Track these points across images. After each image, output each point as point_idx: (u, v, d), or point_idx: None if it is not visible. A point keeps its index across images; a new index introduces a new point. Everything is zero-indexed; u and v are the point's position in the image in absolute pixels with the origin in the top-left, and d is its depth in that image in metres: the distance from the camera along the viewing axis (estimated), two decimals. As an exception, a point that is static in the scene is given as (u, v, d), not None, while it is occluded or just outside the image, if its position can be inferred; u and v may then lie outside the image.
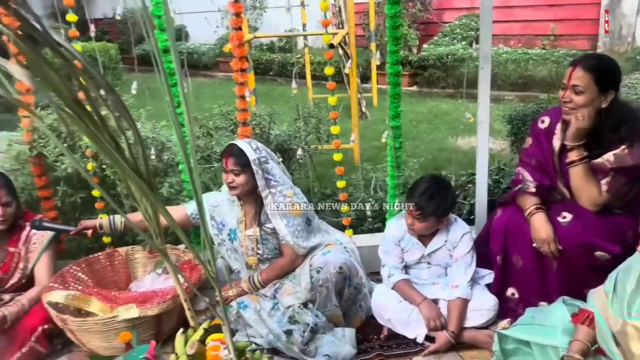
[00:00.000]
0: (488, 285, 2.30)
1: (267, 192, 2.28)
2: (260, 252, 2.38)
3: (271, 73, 9.13)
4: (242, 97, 2.62)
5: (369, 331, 2.32)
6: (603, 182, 2.06)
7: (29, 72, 0.80)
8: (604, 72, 2.02)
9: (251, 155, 2.25)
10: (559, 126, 2.19)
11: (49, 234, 2.43)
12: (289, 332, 2.12)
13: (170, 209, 2.40)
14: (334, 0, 5.66)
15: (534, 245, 2.11)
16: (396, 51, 2.40)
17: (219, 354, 1.46)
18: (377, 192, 3.09)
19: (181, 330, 1.59)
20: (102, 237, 2.66)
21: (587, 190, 2.08)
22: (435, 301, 2.27)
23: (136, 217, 2.26)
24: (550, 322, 1.85)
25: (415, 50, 8.42)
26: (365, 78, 7.14)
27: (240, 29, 2.55)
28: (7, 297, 2.34)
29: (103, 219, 2.42)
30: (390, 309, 2.26)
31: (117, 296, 2.27)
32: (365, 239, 2.77)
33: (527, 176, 2.25)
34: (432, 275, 2.36)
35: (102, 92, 1.04)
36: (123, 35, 10.36)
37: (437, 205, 2.20)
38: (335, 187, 3.12)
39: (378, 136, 4.67)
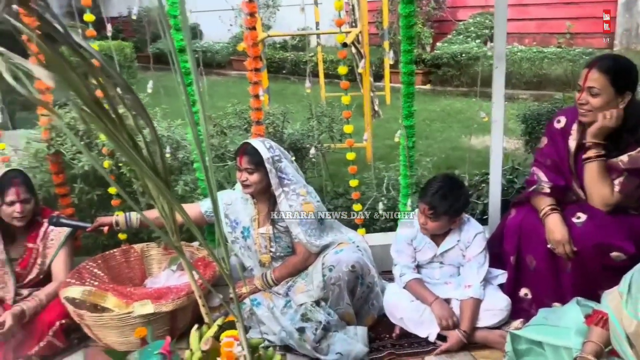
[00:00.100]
0: (501, 286, 2.30)
1: (280, 190, 2.29)
2: (273, 250, 2.39)
3: (284, 71, 9.15)
4: (256, 96, 2.63)
5: (381, 330, 2.33)
6: (616, 182, 2.05)
7: (50, 72, 0.82)
8: (620, 73, 2.01)
9: (265, 154, 2.27)
10: (575, 126, 2.17)
11: (66, 231, 2.47)
12: (301, 330, 2.13)
13: (185, 206, 2.41)
14: (348, -1, 5.66)
15: (549, 246, 2.10)
16: (410, 50, 2.39)
17: (233, 350, 1.47)
18: (390, 191, 3.09)
19: (196, 326, 1.61)
20: (117, 233, 2.70)
21: (599, 188, 2.06)
22: (447, 301, 2.27)
23: (151, 214, 2.29)
24: (563, 322, 1.84)
25: (428, 49, 8.38)
26: (378, 76, 7.13)
27: (254, 28, 2.57)
28: (25, 292, 2.39)
29: (119, 216, 2.46)
30: (402, 308, 2.27)
31: (132, 292, 2.30)
32: (378, 238, 2.77)
33: (542, 176, 2.24)
34: (445, 275, 2.36)
35: (118, 90, 1.06)
36: (137, 34, 10.45)
37: (450, 205, 2.20)
38: (347, 186, 3.12)
39: (391, 135, 4.67)
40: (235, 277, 2.42)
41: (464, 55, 7.43)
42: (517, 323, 2.20)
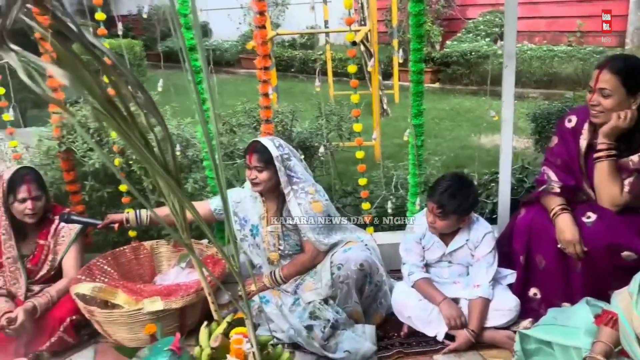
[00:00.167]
0: (510, 286, 2.29)
1: (289, 189, 2.30)
2: (281, 248, 2.40)
3: (292, 70, 9.15)
4: (265, 95, 2.64)
5: (389, 328, 2.33)
6: (626, 182, 2.04)
7: (65, 70, 0.83)
8: (631, 73, 1.99)
9: (274, 152, 2.28)
10: (586, 126, 2.16)
11: (77, 227, 2.49)
12: (309, 328, 2.14)
13: (194, 204, 2.43)
14: (357, -3, 5.66)
15: (559, 246, 2.09)
16: (419, 49, 2.39)
17: (242, 347, 1.48)
18: (398, 189, 3.09)
19: (205, 323, 1.62)
20: (127, 231, 2.72)
21: (609, 188, 2.05)
22: (455, 300, 2.26)
23: (161, 211, 2.31)
24: (573, 322, 1.83)
25: (438, 47, 8.35)
26: (386, 75, 7.12)
27: (264, 27, 2.57)
28: (36, 288, 2.41)
29: (129, 213, 2.48)
30: (410, 306, 2.27)
31: (142, 289, 2.32)
32: (386, 237, 2.77)
33: (552, 176, 2.23)
34: (453, 274, 2.36)
35: (130, 88, 1.07)
36: (147, 32, 10.50)
37: (459, 204, 2.20)
38: (356, 185, 3.12)
39: (399, 133, 4.67)
40: (245, 274, 2.43)
41: (473, 53, 7.40)
42: (526, 323, 2.19)
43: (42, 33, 0.92)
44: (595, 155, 2.09)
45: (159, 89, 2.69)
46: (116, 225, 2.47)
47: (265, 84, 2.62)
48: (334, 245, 2.33)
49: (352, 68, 2.51)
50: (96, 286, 2.28)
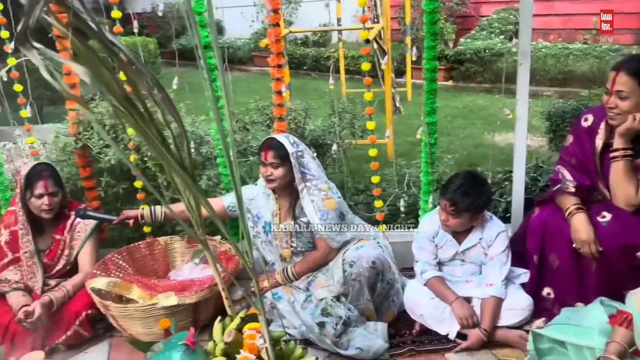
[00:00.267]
0: (523, 285, 2.28)
1: (302, 185, 2.31)
2: (294, 245, 2.41)
3: (305, 67, 9.15)
4: (279, 93, 2.65)
5: (401, 326, 2.33)
6: None
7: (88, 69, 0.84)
8: None
9: (290, 149, 2.29)
10: (602, 125, 2.14)
11: (93, 223, 2.52)
12: (321, 325, 2.15)
13: (208, 201, 2.46)
14: (370, -6, 5.64)
15: (574, 245, 2.08)
16: (433, 46, 2.39)
17: (255, 343, 1.49)
18: (411, 187, 3.09)
19: (219, 318, 1.64)
20: (142, 226, 2.75)
21: (624, 188, 2.04)
22: (468, 299, 2.26)
23: (176, 208, 2.33)
24: (586, 322, 1.82)
25: (451, 45, 8.30)
26: (399, 72, 7.10)
27: (277, 25, 2.58)
28: (52, 282, 2.44)
29: (144, 210, 2.50)
30: (422, 304, 2.27)
31: (156, 284, 2.34)
32: (398, 235, 2.77)
33: (567, 175, 2.21)
34: (466, 273, 2.35)
35: (146, 85, 1.08)
36: (161, 30, 10.56)
37: (472, 202, 2.19)
38: (368, 183, 3.12)
39: (412, 131, 4.65)
40: (258, 270, 2.44)
41: (487, 51, 7.34)
42: (539, 322, 2.18)
43: (62, 31, 0.94)
44: (611, 155, 2.07)
45: (174, 87, 2.71)
46: (131, 221, 2.49)
47: (278, 81, 2.63)
48: (346, 243, 2.34)
49: (365, 66, 2.51)
50: (111, 281, 2.31)
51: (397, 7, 7.82)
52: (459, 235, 2.32)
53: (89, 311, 2.32)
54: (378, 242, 2.39)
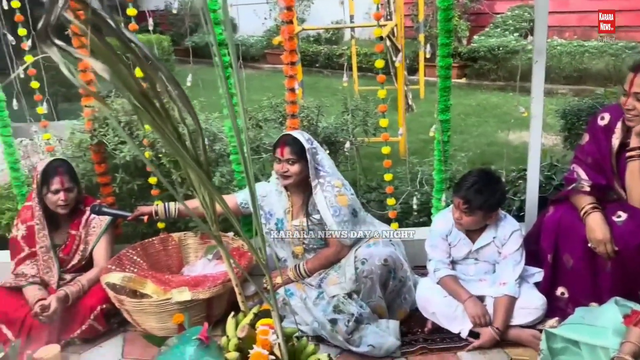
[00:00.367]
0: (537, 284, 2.26)
1: (316, 182, 2.32)
2: (306, 242, 2.42)
3: (317, 65, 9.15)
4: (292, 90, 2.66)
5: (413, 324, 2.33)
6: None
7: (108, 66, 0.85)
8: None
9: (306, 145, 2.31)
10: (619, 124, 2.12)
11: (107, 219, 2.54)
12: (333, 321, 2.16)
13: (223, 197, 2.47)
14: (384, -9, 5.63)
15: (589, 245, 2.06)
16: (448, 44, 2.38)
17: (268, 338, 1.50)
18: (424, 185, 3.08)
19: (232, 314, 1.65)
20: (156, 222, 2.77)
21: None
22: (481, 298, 2.25)
23: (190, 204, 2.35)
24: (600, 322, 1.81)
25: (465, 42, 8.25)
26: (411, 70, 7.07)
27: (291, 22, 2.58)
28: (68, 277, 2.48)
29: (158, 206, 2.52)
30: (435, 302, 2.26)
31: (170, 279, 2.36)
32: (411, 233, 2.76)
33: (582, 174, 2.19)
34: (479, 272, 2.34)
35: (156, 81, 1.09)
36: (174, 28, 10.62)
37: (485, 199, 2.18)
38: (380, 180, 3.12)
39: (424, 129, 4.63)
40: (271, 267, 2.45)
41: (501, 48, 7.29)
42: (552, 321, 2.16)
43: (81, 28, 0.95)
44: (628, 154, 2.05)
45: (188, 84, 2.72)
46: (145, 217, 2.51)
47: (291, 79, 2.64)
48: (358, 240, 2.34)
49: (379, 63, 2.51)
50: (126, 276, 2.34)
51: (410, 4, 7.79)
52: (473, 233, 2.31)
53: (104, 305, 2.35)
54: (390, 240, 2.38)
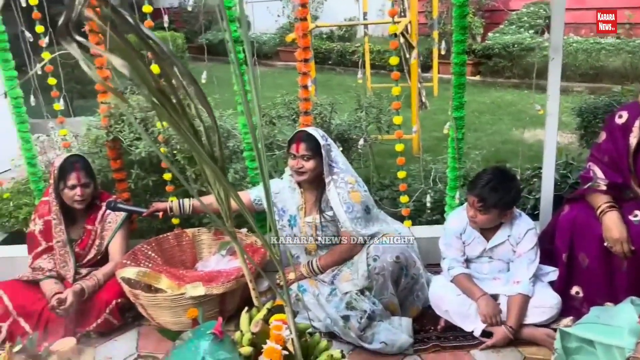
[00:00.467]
0: (552, 283, 2.25)
1: (330, 178, 2.33)
2: (319, 238, 2.42)
3: (330, 62, 9.15)
4: (305, 87, 2.66)
5: (426, 322, 2.32)
6: None
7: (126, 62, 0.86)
8: None
9: (321, 141, 2.31)
10: (637, 123, 2.09)
11: (123, 214, 2.57)
12: (346, 318, 2.16)
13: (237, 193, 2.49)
14: (397, -12, 5.60)
15: (606, 244, 2.05)
16: (462, 40, 2.36)
17: (282, 334, 1.51)
18: (437, 183, 3.06)
19: (246, 309, 1.67)
20: (171, 218, 2.79)
21: None
22: (495, 297, 2.24)
23: (204, 200, 2.36)
24: (616, 322, 1.79)
25: (479, 39, 8.19)
26: (425, 67, 7.04)
27: (305, 19, 2.59)
28: (84, 271, 2.51)
29: (173, 202, 2.55)
30: (448, 300, 2.26)
31: (184, 274, 2.38)
32: (424, 231, 2.76)
33: (599, 173, 2.17)
34: (493, 270, 2.33)
35: (173, 76, 1.10)
36: (187, 25, 10.68)
37: (500, 197, 2.16)
38: (393, 178, 3.11)
39: (438, 127, 4.61)
40: (284, 263, 2.46)
41: (516, 45, 7.22)
42: (567, 321, 2.15)
43: (100, 25, 0.96)
44: None
45: (203, 81, 2.74)
46: (160, 214, 2.54)
47: (305, 76, 2.64)
48: (371, 237, 2.34)
49: (394, 60, 2.50)
50: (141, 271, 2.36)
51: (424, 0, 7.74)
52: (487, 232, 2.29)
53: (119, 300, 2.38)
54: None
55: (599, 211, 2.09)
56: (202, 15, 9.82)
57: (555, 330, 2.00)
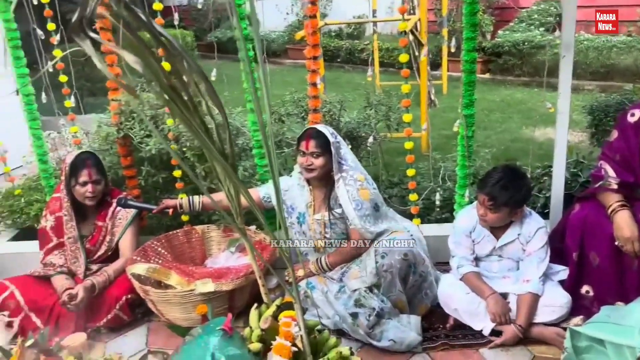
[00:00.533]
0: (562, 282, 2.24)
1: (339, 175, 2.33)
2: (327, 236, 2.43)
3: (338, 60, 9.14)
4: (314, 84, 2.66)
5: (435, 320, 2.32)
6: None
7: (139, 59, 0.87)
8: None
9: (330, 138, 2.32)
10: None
11: (133, 211, 2.58)
12: (354, 315, 2.16)
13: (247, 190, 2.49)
14: (407, -14, 5.58)
15: (617, 243, 2.04)
16: (473, 38, 2.36)
17: (291, 330, 1.52)
18: (446, 182, 3.06)
19: (255, 305, 1.67)
20: (180, 215, 2.81)
21: None
22: (504, 295, 2.23)
23: (214, 197, 2.37)
24: (627, 321, 1.78)
25: (489, 37, 8.15)
26: (434, 65, 7.01)
27: (315, 16, 2.59)
28: (94, 267, 2.53)
29: (183, 199, 2.56)
30: (457, 298, 2.25)
31: (194, 271, 2.39)
32: (433, 229, 2.76)
33: (610, 172, 2.15)
34: (503, 269, 2.32)
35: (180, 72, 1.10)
36: (196, 23, 10.72)
37: (511, 196, 2.15)
38: (402, 176, 3.11)
39: (447, 125, 4.60)
40: (293, 260, 2.47)
41: (526, 43, 7.18)
42: (577, 320, 2.14)
43: (113, 22, 0.97)
44: None
45: (212, 78, 2.75)
46: (170, 210, 2.55)
47: (314, 73, 2.64)
48: (379, 234, 2.34)
49: (404, 57, 2.49)
50: (151, 267, 2.37)
51: (434, -2, 7.72)
52: (497, 230, 2.29)
53: (129, 296, 2.39)
54: (411, 235, 2.38)
55: (610, 210, 2.08)
56: (211, 13, 9.85)
57: (565, 329, 1.99)
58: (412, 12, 5.59)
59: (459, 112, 2.51)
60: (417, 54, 5.11)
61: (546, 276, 2.22)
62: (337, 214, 2.38)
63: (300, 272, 2.38)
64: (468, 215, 2.34)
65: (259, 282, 1.63)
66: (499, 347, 2.14)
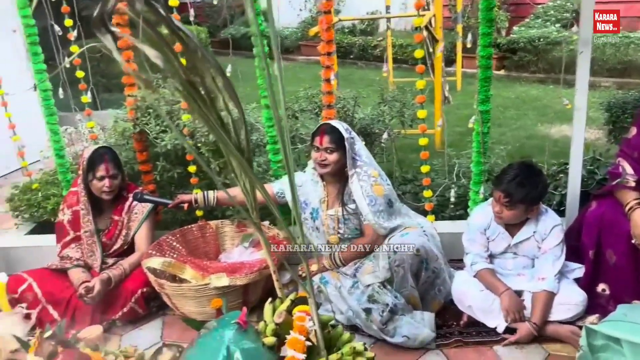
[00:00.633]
0: (577, 280, 2.22)
1: (353, 171, 2.33)
2: (341, 231, 2.43)
3: (351, 56, 9.12)
4: (328, 80, 2.66)
5: (449, 317, 2.32)
6: None
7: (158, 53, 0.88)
8: None
9: (344, 134, 2.32)
10: None
11: (149, 206, 2.60)
12: (368, 311, 2.17)
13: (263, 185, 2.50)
14: (421, -18, 5.54)
15: (634, 241, 2.02)
16: (489, 33, 2.34)
17: (305, 325, 1.52)
18: (460, 178, 3.04)
19: (269, 300, 1.68)
20: (195, 210, 2.83)
21: None
22: (519, 293, 2.22)
23: (230, 192, 2.38)
24: (644, 320, 1.76)
25: (504, 33, 8.07)
26: (448, 61, 6.96)
27: (329, 12, 2.59)
28: (110, 261, 2.56)
29: (198, 194, 2.57)
30: (471, 296, 2.24)
31: (208, 265, 2.42)
32: (447, 226, 2.75)
33: (628, 169, 2.13)
34: (518, 266, 2.31)
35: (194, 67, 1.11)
36: (210, 19, 10.76)
37: (527, 193, 2.14)
38: (416, 172, 3.10)
39: (461, 121, 4.57)
40: (307, 255, 2.47)
41: (542, 40, 7.09)
42: (592, 318, 2.12)
43: (133, 18, 0.98)
44: None
45: (227, 74, 2.75)
46: (185, 205, 2.56)
47: (328, 69, 2.64)
48: (393, 230, 2.34)
49: (419, 53, 2.48)
50: (166, 261, 2.40)
51: (449, -6, 7.65)
52: (512, 227, 2.27)
53: (144, 289, 2.42)
54: (424, 231, 2.37)
55: (627, 208, 2.06)
56: (225, 10, 9.87)
57: (580, 327, 1.98)
58: (426, 7, 5.56)
59: (474, 108, 2.49)
60: (431, 50, 5.08)
61: (562, 274, 2.20)
62: (351, 209, 2.38)
63: (314, 267, 2.39)
64: (483, 212, 2.33)
65: (274, 276, 1.64)
66: (513, 345, 2.13)
